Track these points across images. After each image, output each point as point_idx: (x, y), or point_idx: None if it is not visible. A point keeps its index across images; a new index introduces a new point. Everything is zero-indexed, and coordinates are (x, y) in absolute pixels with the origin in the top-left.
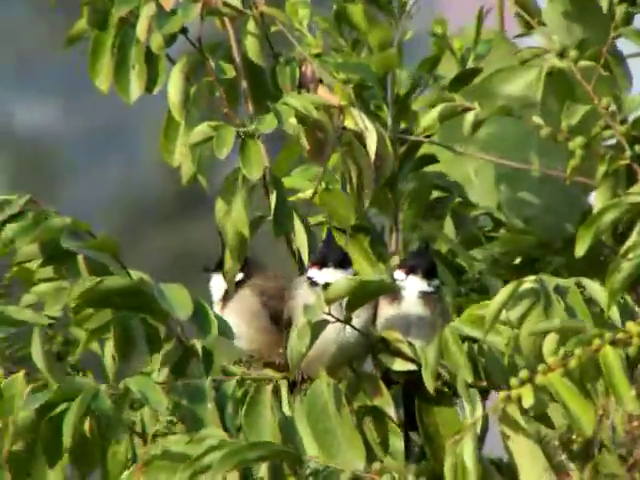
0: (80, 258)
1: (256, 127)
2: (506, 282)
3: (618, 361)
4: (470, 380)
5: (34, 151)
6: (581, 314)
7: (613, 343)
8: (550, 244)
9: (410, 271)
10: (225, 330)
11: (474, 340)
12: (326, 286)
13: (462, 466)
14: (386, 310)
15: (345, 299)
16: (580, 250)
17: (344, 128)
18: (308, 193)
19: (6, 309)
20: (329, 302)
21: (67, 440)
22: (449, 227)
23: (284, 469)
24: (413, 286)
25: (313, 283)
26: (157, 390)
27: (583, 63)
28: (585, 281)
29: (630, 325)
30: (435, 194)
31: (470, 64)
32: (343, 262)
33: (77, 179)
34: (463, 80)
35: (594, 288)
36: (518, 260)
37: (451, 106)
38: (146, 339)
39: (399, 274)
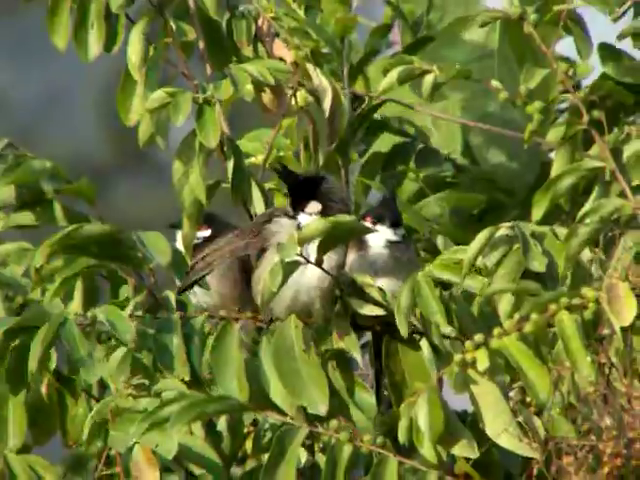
0: (57, 205)
1: (212, 93)
2: (457, 243)
3: (574, 327)
4: (444, 325)
5: None
6: (559, 259)
7: (569, 308)
8: (514, 192)
9: (377, 220)
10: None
11: (444, 287)
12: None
13: (416, 429)
14: (353, 258)
15: (316, 241)
16: (537, 214)
17: (299, 84)
18: (260, 158)
19: None
20: (302, 242)
21: (32, 366)
22: (408, 185)
23: (243, 423)
24: (380, 235)
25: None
26: (125, 319)
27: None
28: (559, 230)
29: (586, 291)
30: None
31: (423, 32)
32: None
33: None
34: (416, 48)
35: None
36: (478, 210)
37: (410, 68)
38: (111, 291)
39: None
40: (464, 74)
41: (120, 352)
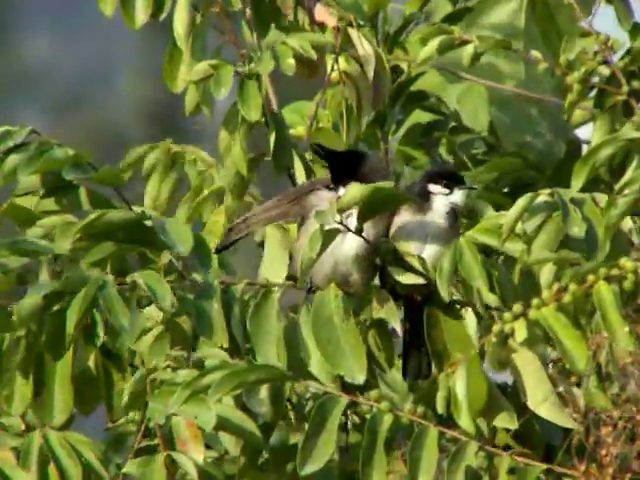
0: (82, 190)
1: (254, 68)
2: (497, 206)
3: (612, 297)
4: (485, 290)
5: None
6: (598, 226)
7: (607, 279)
8: (542, 169)
9: (449, 184)
10: (225, 264)
11: (487, 255)
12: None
13: (455, 399)
14: (405, 218)
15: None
16: (577, 185)
17: (342, 50)
18: (300, 129)
19: (18, 239)
20: (341, 210)
21: (70, 328)
22: (443, 155)
23: (285, 392)
24: (446, 199)
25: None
26: (164, 284)
27: None
28: (599, 196)
29: (624, 261)
30: (429, 121)
31: (461, 3)
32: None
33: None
34: (455, 18)
35: None
36: (508, 189)
37: (449, 38)
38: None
39: (434, 187)
40: (504, 44)
41: (157, 330)
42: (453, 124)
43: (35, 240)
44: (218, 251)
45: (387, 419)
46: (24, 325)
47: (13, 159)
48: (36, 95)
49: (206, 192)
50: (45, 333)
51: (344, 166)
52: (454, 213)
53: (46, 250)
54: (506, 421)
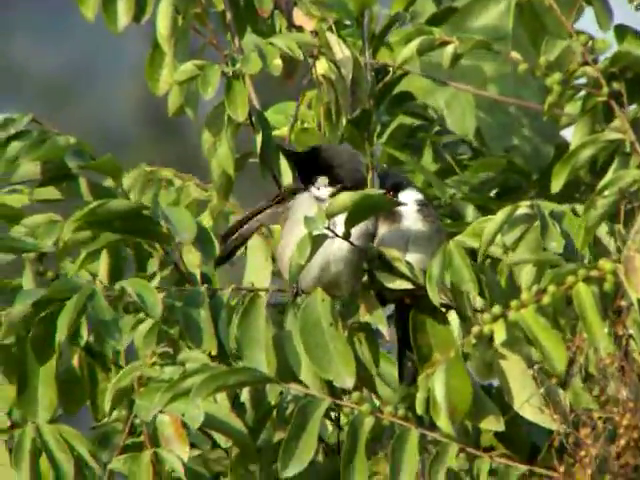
0: (82, 180)
1: (240, 68)
2: (479, 207)
3: (591, 298)
4: (475, 293)
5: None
6: (577, 239)
7: (586, 280)
8: (529, 173)
9: (397, 188)
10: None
11: (475, 259)
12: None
13: (433, 400)
14: (385, 227)
15: (344, 215)
16: (556, 186)
17: (320, 54)
18: (284, 130)
19: (2, 235)
20: (330, 216)
21: (61, 336)
22: (428, 157)
23: (266, 395)
24: (407, 199)
25: (318, 199)
26: (153, 292)
27: None
28: (579, 207)
29: (603, 262)
30: (414, 122)
31: (446, 3)
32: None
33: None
34: (440, 19)
35: None
36: (494, 192)
37: (429, 39)
38: (137, 265)
39: None
40: (483, 45)
41: (147, 324)
42: (438, 128)
43: (20, 237)
44: (219, 263)
45: (368, 421)
46: (13, 333)
47: (15, 146)
48: (24, 95)
49: (184, 204)
50: (32, 339)
51: (306, 162)
52: (432, 213)
53: (31, 247)
54: (492, 423)
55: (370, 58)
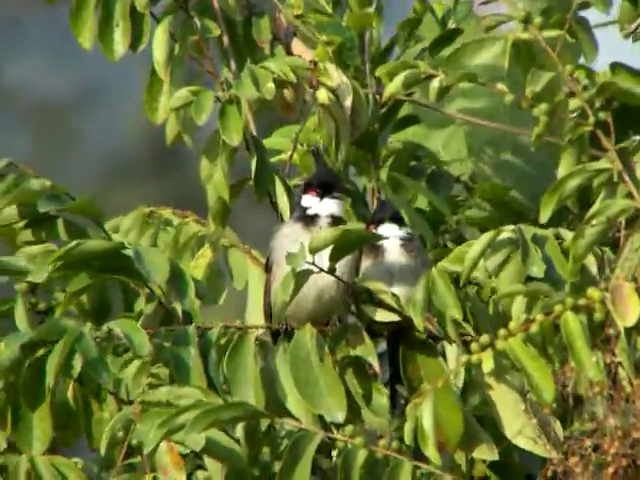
0: (60, 222)
1: (234, 92)
2: (484, 231)
3: (579, 327)
4: (459, 318)
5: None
6: (558, 264)
7: (575, 309)
8: (526, 212)
9: (380, 221)
10: (203, 294)
11: (459, 287)
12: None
13: (421, 430)
14: (368, 261)
15: (328, 250)
16: (544, 217)
17: (319, 83)
18: (290, 154)
19: (4, 258)
20: (313, 251)
21: (50, 380)
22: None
23: (260, 429)
24: (389, 234)
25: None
26: (141, 332)
27: (548, 31)
28: (563, 232)
29: (591, 291)
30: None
31: (450, 26)
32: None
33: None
34: (444, 42)
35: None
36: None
37: (415, 73)
38: (124, 304)
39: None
40: (469, 77)
41: (135, 365)
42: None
43: (14, 260)
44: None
45: (362, 454)
46: (2, 377)
47: None
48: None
49: (182, 241)
50: (22, 384)
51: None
52: (414, 245)
53: (24, 270)
54: (485, 452)
55: (372, 80)
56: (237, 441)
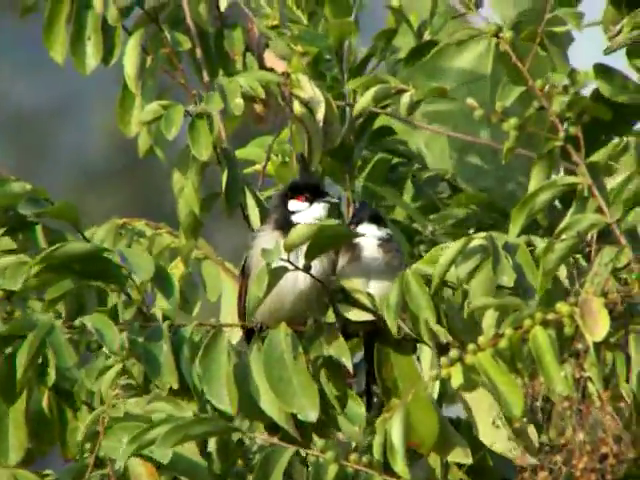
0: (38, 228)
1: (203, 107)
2: None
3: (548, 342)
4: (432, 320)
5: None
6: (529, 272)
7: (544, 324)
8: (506, 212)
9: (359, 221)
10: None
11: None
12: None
13: (390, 444)
14: (345, 260)
15: (304, 248)
16: (514, 231)
17: (292, 95)
18: (258, 167)
19: None
20: (290, 248)
21: (20, 372)
22: (409, 193)
23: (232, 444)
24: (368, 233)
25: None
26: (112, 328)
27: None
28: (535, 239)
29: (561, 306)
30: (394, 160)
31: (427, 37)
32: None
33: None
34: (420, 53)
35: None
36: (473, 230)
37: (385, 88)
38: (98, 301)
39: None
40: (438, 92)
41: (115, 370)
42: (417, 165)
43: None
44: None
45: (332, 469)
46: None
47: None
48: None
49: (155, 252)
50: None
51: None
52: (392, 246)
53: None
54: (460, 456)
55: (349, 91)
56: (209, 454)
